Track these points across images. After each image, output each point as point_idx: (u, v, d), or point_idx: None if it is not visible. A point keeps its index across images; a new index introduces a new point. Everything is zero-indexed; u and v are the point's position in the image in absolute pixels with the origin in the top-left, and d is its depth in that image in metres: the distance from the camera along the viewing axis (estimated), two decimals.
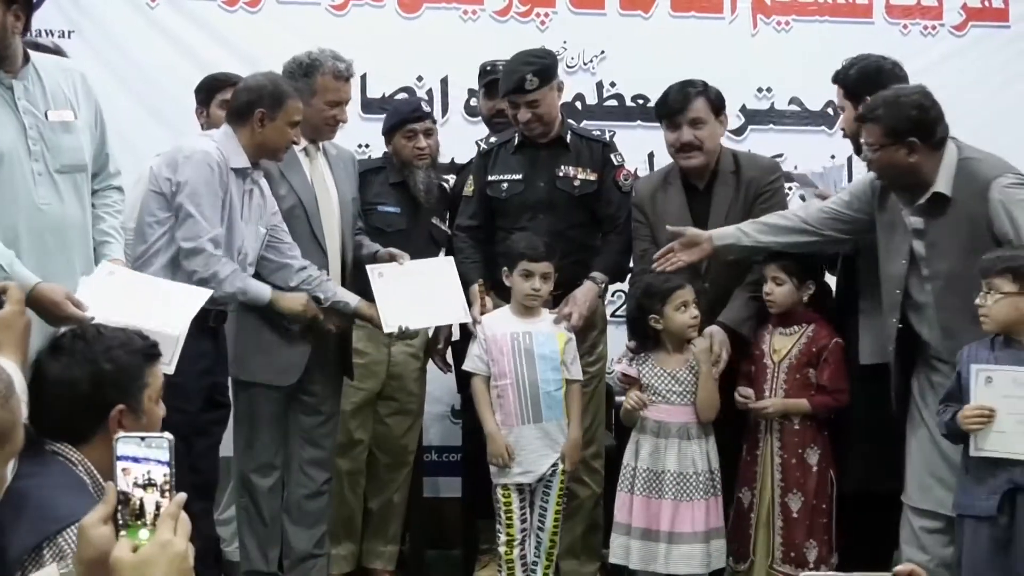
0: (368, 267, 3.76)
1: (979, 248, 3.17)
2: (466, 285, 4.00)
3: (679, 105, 3.76)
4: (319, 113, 3.72)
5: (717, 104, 3.79)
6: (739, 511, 3.69)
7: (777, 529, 3.60)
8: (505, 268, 3.78)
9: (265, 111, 3.48)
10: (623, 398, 4.47)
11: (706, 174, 3.81)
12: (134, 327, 3.06)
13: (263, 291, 3.55)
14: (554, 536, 3.73)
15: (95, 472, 2.06)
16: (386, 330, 3.68)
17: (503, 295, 3.86)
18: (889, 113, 3.22)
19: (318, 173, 3.83)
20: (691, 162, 3.78)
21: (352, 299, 3.71)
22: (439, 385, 4.62)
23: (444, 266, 3.89)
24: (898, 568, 1.73)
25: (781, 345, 3.65)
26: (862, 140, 3.37)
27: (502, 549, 3.69)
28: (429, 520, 4.58)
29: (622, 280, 4.37)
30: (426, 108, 4.30)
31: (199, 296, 3.18)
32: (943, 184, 3.23)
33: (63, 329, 2.33)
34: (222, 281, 3.39)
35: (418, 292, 3.73)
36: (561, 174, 3.94)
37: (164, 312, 3.10)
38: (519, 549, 3.68)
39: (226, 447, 3.85)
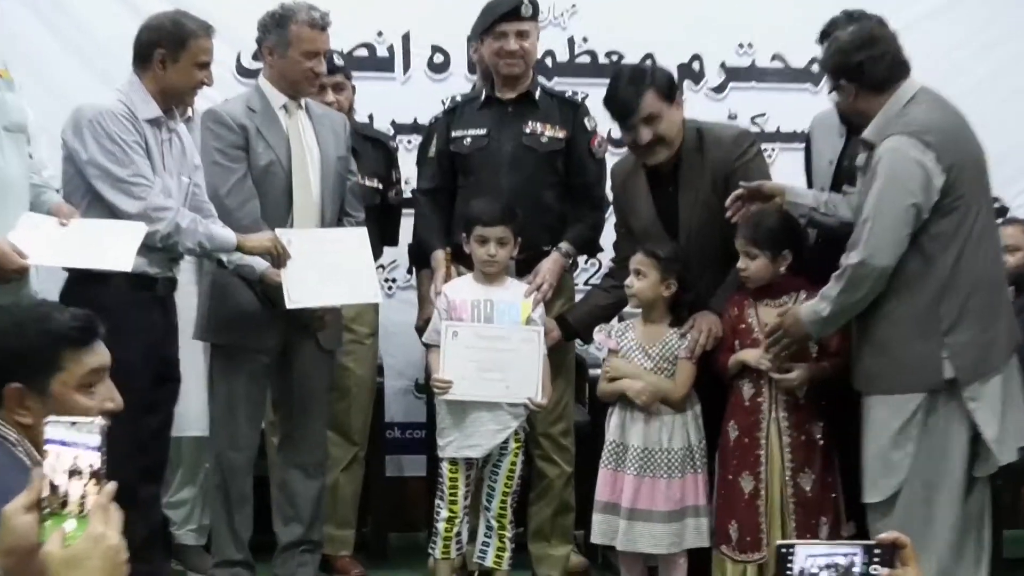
0: (277, 231, 3.48)
1: None
2: (428, 251, 3.90)
3: (628, 107, 3.48)
4: (296, 66, 3.56)
5: (668, 90, 3.50)
6: (740, 499, 3.47)
7: (791, 512, 3.43)
8: (464, 234, 3.65)
9: (166, 52, 3.31)
10: (597, 371, 4.33)
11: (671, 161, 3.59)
12: (77, 267, 3.15)
13: (228, 235, 3.37)
14: (501, 517, 3.63)
15: (34, 453, 1.95)
16: (288, 305, 3.45)
17: (468, 263, 3.72)
18: None
19: (296, 131, 3.64)
20: (656, 159, 3.55)
21: (259, 264, 3.48)
22: (401, 359, 4.52)
23: (356, 236, 3.64)
24: (881, 536, 1.66)
25: (772, 318, 3.45)
26: None
27: (441, 525, 3.60)
28: (391, 501, 4.44)
29: (591, 255, 4.26)
30: (338, 61, 4.10)
31: (137, 231, 3.15)
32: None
33: None
34: (185, 232, 3.24)
35: (327, 265, 3.51)
36: (528, 131, 3.81)
37: (105, 250, 3.13)
38: (457, 527, 3.60)
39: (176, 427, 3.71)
